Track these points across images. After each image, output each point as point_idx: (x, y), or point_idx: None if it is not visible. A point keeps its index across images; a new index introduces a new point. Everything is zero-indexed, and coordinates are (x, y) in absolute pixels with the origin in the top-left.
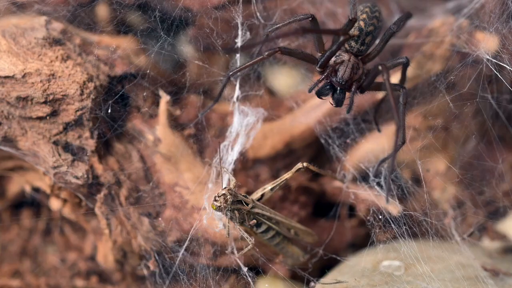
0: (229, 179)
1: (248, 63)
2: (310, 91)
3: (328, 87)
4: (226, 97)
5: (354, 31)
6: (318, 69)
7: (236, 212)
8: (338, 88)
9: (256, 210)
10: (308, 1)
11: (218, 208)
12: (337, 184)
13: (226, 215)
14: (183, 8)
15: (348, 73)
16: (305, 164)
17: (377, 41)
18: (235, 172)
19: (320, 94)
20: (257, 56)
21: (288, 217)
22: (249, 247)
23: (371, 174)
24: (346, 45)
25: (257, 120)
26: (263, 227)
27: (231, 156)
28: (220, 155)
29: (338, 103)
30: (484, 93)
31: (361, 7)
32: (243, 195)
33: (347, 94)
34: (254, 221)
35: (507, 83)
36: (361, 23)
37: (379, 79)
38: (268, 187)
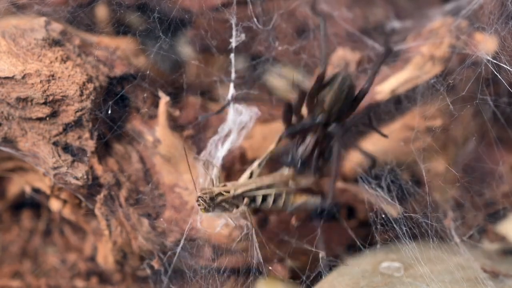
0: (214, 172)
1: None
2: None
3: (289, 159)
4: (226, 97)
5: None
6: (284, 138)
7: (224, 204)
8: (300, 161)
9: (240, 190)
10: (305, 3)
11: (206, 210)
12: (337, 185)
13: (217, 211)
14: (182, 9)
15: (309, 151)
16: (285, 133)
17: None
18: (234, 172)
19: (283, 163)
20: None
21: (276, 174)
22: (248, 230)
23: (371, 174)
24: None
25: (250, 118)
26: (259, 199)
27: (220, 152)
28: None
29: (301, 173)
30: (484, 95)
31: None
32: (222, 185)
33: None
34: (247, 199)
35: (506, 85)
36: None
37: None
38: (255, 164)
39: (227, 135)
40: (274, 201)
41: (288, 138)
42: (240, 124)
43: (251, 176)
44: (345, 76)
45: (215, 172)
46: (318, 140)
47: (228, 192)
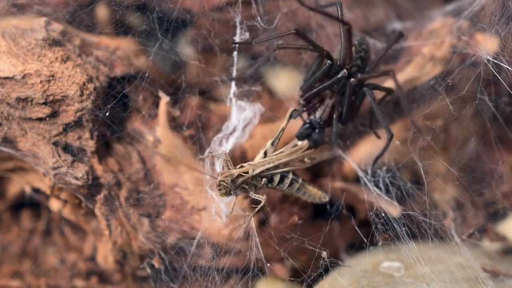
0: (221, 161)
1: (273, 36)
2: (295, 117)
3: (307, 126)
4: (227, 97)
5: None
6: (301, 102)
7: (244, 185)
8: (317, 127)
9: (258, 170)
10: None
11: (227, 194)
12: (337, 185)
13: (236, 194)
14: (183, 9)
15: (327, 113)
16: (295, 107)
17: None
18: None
19: (300, 137)
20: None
21: (293, 152)
22: (261, 204)
23: (371, 174)
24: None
25: (254, 114)
26: (277, 179)
27: (224, 146)
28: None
29: (316, 145)
30: (484, 95)
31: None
32: (238, 167)
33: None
34: (265, 179)
35: (506, 85)
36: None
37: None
38: (268, 144)
39: (231, 133)
40: (290, 184)
41: (302, 103)
42: (245, 120)
43: (265, 155)
44: (361, 40)
45: (224, 157)
46: (335, 104)
47: (247, 172)
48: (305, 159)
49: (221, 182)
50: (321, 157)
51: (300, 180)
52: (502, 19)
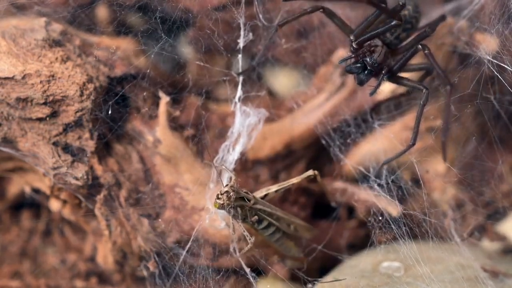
0: (230, 177)
1: (294, 17)
2: (341, 62)
3: (358, 65)
4: (227, 97)
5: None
6: (354, 45)
7: (238, 209)
8: (368, 69)
9: (258, 206)
10: (309, 3)
11: (221, 206)
12: (337, 185)
13: (229, 212)
14: (184, 9)
15: (382, 58)
16: (316, 172)
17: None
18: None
19: (349, 71)
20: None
21: (288, 213)
22: (248, 246)
23: (372, 174)
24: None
25: (258, 120)
26: (264, 223)
27: (232, 155)
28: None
29: (361, 83)
30: (489, 94)
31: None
32: (244, 191)
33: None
34: (256, 217)
35: (507, 85)
36: (405, 12)
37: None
38: (273, 188)
39: (237, 139)
40: (272, 232)
41: (355, 47)
42: (249, 126)
43: (265, 197)
44: (416, 3)
45: (233, 176)
46: (386, 53)
47: (250, 201)
48: (291, 226)
49: (225, 193)
50: (302, 233)
51: (281, 233)
52: (502, 18)
